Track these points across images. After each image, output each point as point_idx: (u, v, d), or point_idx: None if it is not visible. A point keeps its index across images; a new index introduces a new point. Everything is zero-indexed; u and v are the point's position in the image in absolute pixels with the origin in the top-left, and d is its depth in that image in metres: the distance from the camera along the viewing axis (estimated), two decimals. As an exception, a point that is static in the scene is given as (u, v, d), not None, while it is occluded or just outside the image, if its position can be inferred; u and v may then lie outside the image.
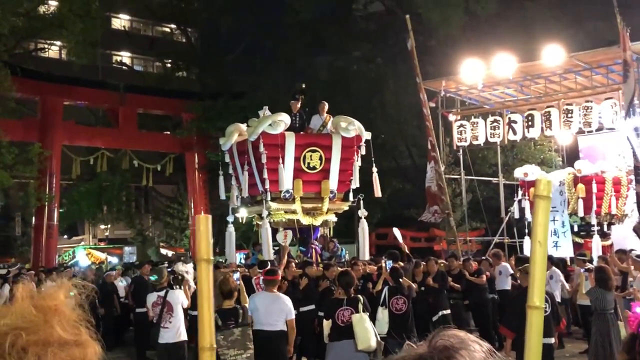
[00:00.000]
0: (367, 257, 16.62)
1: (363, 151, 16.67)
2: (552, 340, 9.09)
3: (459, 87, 22.63)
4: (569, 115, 19.83)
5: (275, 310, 9.25)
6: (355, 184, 16.74)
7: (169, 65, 39.40)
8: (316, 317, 12.15)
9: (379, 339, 8.86)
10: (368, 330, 8.67)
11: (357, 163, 16.69)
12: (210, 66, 34.81)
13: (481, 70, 20.94)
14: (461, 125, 22.21)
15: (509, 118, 21.41)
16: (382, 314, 11.16)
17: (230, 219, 17.09)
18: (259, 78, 31.63)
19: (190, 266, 13.67)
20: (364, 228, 16.89)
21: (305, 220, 16.13)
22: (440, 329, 1.48)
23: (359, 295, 9.24)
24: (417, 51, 21.89)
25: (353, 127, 16.28)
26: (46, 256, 25.63)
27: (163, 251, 34.08)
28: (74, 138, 27.69)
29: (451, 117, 22.73)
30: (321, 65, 34.82)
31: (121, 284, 18.03)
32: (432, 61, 27.64)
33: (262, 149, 15.58)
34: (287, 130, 15.96)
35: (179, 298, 10.19)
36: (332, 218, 16.86)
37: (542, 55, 19.97)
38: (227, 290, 8.36)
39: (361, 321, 8.69)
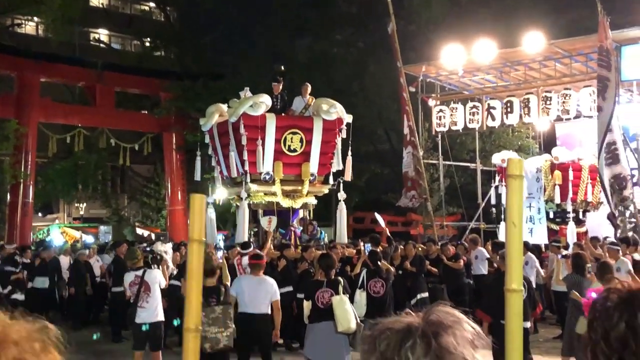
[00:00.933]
0: (345, 240, 16.67)
1: (344, 134, 16.64)
2: (528, 324, 9.22)
3: (439, 72, 22.67)
4: (548, 102, 19.95)
5: (261, 293, 9.38)
6: (337, 166, 16.72)
7: (147, 44, 39.03)
8: (294, 299, 12.21)
9: (358, 321, 8.86)
10: (348, 312, 8.67)
11: (339, 146, 16.65)
12: (189, 46, 34.54)
13: (462, 56, 20.99)
14: (440, 111, 22.27)
15: (488, 104, 21.49)
16: (360, 296, 11.20)
17: (210, 200, 16.98)
18: (238, 59, 31.44)
19: (169, 246, 13.69)
20: (342, 211, 16.93)
21: (285, 203, 16.09)
22: (438, 304, 1.49)
23: (339, 278, 9.25)
24: (398, 36, 21.88)
25: (335, 110, 16.23)
26: (21, 234, 25.39)
27: (139, 231, 33.87)
28: (50, 115, 27.38)
29: (431, 102, 22.78)
30: (302, 48, 34.66)
31: (97, 263, 17.91)
32: (413, 46, 27.64)
33: (242, 130, 15.49)
34: (268, 112, 15.87)
35: (157, 278, 10.13)
36: (312, 201, 16.84)
37: (522, 42, 20.05)
38: (209, 268, 8.31)
39: (341, 303, 8.68)
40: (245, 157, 15.69)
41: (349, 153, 16.84)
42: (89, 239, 29.97)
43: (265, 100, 15.71)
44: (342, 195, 16.79)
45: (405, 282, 13.59)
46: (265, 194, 16.06)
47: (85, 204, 38.52)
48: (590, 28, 18.80)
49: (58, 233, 31.34)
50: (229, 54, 32.88)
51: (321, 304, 8.81)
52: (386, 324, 1.46)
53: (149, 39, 38.57)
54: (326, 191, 17.23)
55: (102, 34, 42.95)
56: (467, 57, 20.97)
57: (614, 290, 1.86)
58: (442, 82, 23.32)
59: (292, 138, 16.03)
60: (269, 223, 15.53)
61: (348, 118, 16.71)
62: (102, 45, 40.14)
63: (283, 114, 16.47)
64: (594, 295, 1.82)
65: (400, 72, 21.73)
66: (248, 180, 15.76)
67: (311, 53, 33.74)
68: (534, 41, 19.67)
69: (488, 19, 26.84)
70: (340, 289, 8.86)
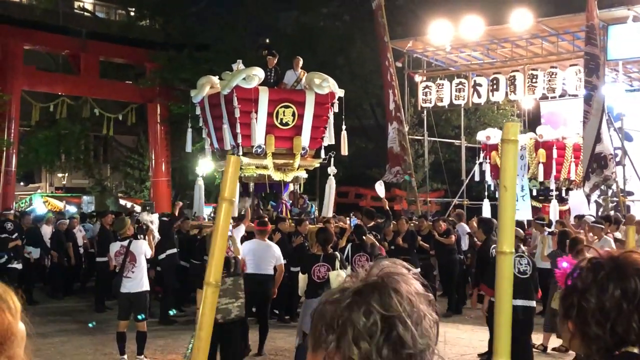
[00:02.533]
0: (330, 214, 16.74)
1: (336, 108, 16.63)
2: (533, 303, 9.01)
3: (426, 48, 22.65)
4: (534, 80, 20.01)
5: (267, 257, 10.66)
6: (329, 140, 16.74)
7: (132, 13, 38.62)
8: (288, 272, 12.30)
9: None
10: None
11: (330, 120, 16.66)
12: (174, 16, 34.20)
13: (449, 32, 20.97)
14: (426, 87, 22.29)
15: (475, 81, 21.53)
16: (345, 271, 11.25)
17: (199, 172, 17.03)
18: (223, 31, 31.21)
19: (155, 216, 13.65)
20: (331, 185, 17.04)
21: (276, 176, 16.12)
22: (379, 260, 1.49)
23: (336, 252, 9.29)
24: (386, 10, 21.80)
25: (327, 84, 16.23)
26: (3, 202, 25.22)
27: (122, 202, 33.79)
28: (34, 84, 27.15)
29: (417, 78, 22.78)
30: (287, 20, 34.47)
31: (80, 233, 17.86)
32: (400, 21, 27.56)
33: (235, 103, 15.43)
34: (261, 85, 15.82)
35: (142, 248, 10.10)
36: (303, 174, 16.87)
37: (509, 19, 20.05)
38: None
39: (338, 278, 8.62)
40: (238, 129, 15.63)
41: (343, 127, 16.85)
42: (71, 208, 29.82)
43: (258, 73, 15.64)
44: (332, 169, 16.86)
45: (397, 257, 13.56)
46: (257, 167, 16.04)
47: (68, 174, 38.27)
48: (578, 7, 18.83)
49: (40, 202, 31.17)
50: (215, 24, 32.59)
51: (317, 278, 8.89)
52: (330, 291, 1.44)
53: (134, 8, 38.16)
54: (317, 165, 17.24)
55: (86, 2, 42.39)
56: (454, 34, 20.96)
57: (596, 259, 1.91)
58: (429, 58, 23.30)
59: (284, 111, 16.01)
60: (245, 204, 15.49)
61: (340, 92, 16.70)
62: (86, 13, 39.62)
63: (275, 88, 16.41)
64: (565, 265, 1.85)
65: (387, 47, 21.69)
66: (240, 153, 15.67)
67: (297, 25, 33.57)
68: (521, 19, 19.67)
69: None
70: (337, 263, 8.93)
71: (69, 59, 29.94)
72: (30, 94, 27.16)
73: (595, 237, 11.86)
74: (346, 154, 17.11)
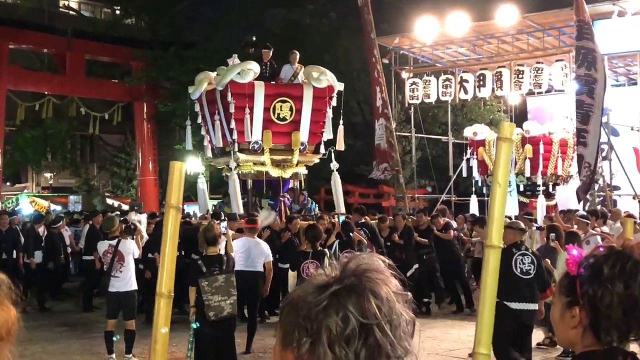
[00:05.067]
0: (342, 210, 16.39)
1: (335, 102, 16.30)
2: (533, 306, 8.16)
3: (413, 44, 22.69)
4: (520, 76, 20.08)
5: (257, 254, 10.75)
6: (328, 135, 16.44)
7: (118, 11, 38.49)
8: (277, 269, 12.27)
9: None
10: None
11: (329, 114, 16.31)
12: (161, 14, 34.09)
13: (435, 28, 21.02)
14: (413, 83, 22.32)
15: (461, 77, 21.58)
16: None
17: (200, 170, 16.65)
18: (211, 28, 31.14)
19: (143, 216, 13.61)
20: (336, 181, 16.59)
21: (275, 173, 15.86)
22: (355, 256, 1.44)
23: (325, 250, 9.27)
24: (372, 7, 21.80)
25: (325, 77, 15.94)
26: (-11, 203, 25.13)
27: (109, 201, 33.62)
28: (19, 83, 26.96)
29: (404, 75, 22.81)
30: (275, 18, 34.41)
31: (66, 232, 17.70)
32: (387, 17, 27.55)
33: (229, 98, 15.17)
34: (257, 79, 15.50)
35: (131, 248, 10.14)
36: (303, 171, 16.58)
37: (495, 15, 20.11)
38: (211, 236, 8.29)
39: None
40: (233, 125, 15.39)
41: (341, 122, 16.58)
42: (57, 208, 29.68)
43: (254, 68, 15.37)
44: (334, 165, 16.40)
45: (393, 254, 13.48)
46: (255, 163, 15.80)
47: (54, 174, 38.09)
48: (563, 2, 18.89)
49: (27, 202, 31.00)
50: (202, 22, 32.52)
51: (306, 275, 8.74)
52: (302, 287, 1.39)
53: (119, 7, 38.02)
54: (317, 161, 16.89)
55: (72, 0, 42.25)
56: (440, 30, 21.01)
57: (620, 250, 1.92)
58: (416, 54, 23.34)
59: (281, 106, 15.72)
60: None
61: (339, 86, 16.41)
62: (71, 12, 39.45)
63: (272, 82, 16.09)
64: (575, 252, 1.85)
65: (374, 43, 21.69)
66: (236, 149, 15.48)
67: (284, 23, 33.52)
68: (507, 14, 19.75)
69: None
70: (326, 260, 8.76)
71: (54, 57, 29.77)
72: (16, 93, 26.99)
73: (581, 231, 11.89)
74: (343, 149, 16.87)
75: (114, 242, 10.01)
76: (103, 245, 10.23)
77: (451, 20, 20.57)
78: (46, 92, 27.92)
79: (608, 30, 18.53)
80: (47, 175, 38.43)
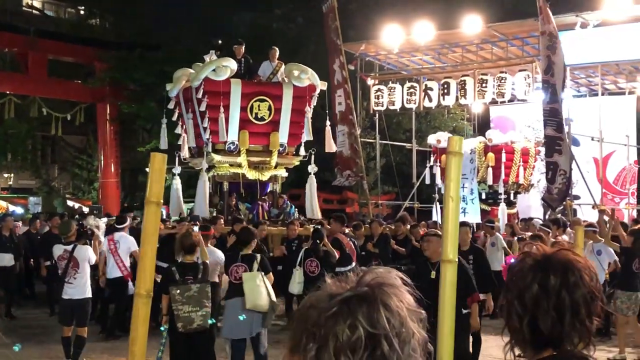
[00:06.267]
0: (318, 215, 15.88)
1: (315, 102, 15.85)
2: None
3: (379, 51, 22.76)
4: (484, 85, 20.22)
5: (211, 264, 9.33)
6: (307, 137, 15.98)
7: (82, 11, 38.11)
8: None
9: (272, 298, 8.33)
10: (257, 289, 8.20)
11: (309, 115, 15.88)
12: (126, 15, 33.81)
13: (401, 36, 21.11)
14: (379, 90, 22.37)
15: (426, 85, 21.68)
16: (297, 274, 11.12)
17: (176, 170, 15.65)
18: (177, 31, 30.94)
19: (102, 221, 13.22)
20: (312, 185, 16.10)
21: (251, 175, 15.38)
22: (372, 268, 1.41)
23: (257, 254, 8.67)
24: (339, 13, 21.82)
25: (306, 76, 15.52)
26: (-54, 203, 24.67)
27: (70, 203, 33.24)
28: (-20, 82, 26.61)
29: (369, 81, 22.87)
30: (242, 22, 34.29)
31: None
32: (353, 24, 27.62)
33: (202, 95, 14.66)
34: (234, 77, 15.02)
35: (87, 254, 9.62)
36: (282, 173, 16.15)
37: (460, 24, 20.26)
38: (188, 244, 7.93)
39: (251, 279, 8.24)
40: (207, 124, 14.87)
41: (327, 123, 16.16)
42: (17, 209, 29.24)
43: (230, 65, 14.84)
44: (312, 168, 15.94)
45: (368, 264, 13.09)
46: (231, 165, 15.30)
47: (14, 174, 37.53)
48: (527, 12, 19.10)
49: (-15, 203, 30.48)
50: (168, 24, 32.30)
51: (234, 279, 8.43)
52: (316, 294, 1.37)
53: (84, 7, 37.65)
54: (297, 163, 16.39)
55: (35, -1, 41.75)
56: (406, 38, 21.11)
57: (529, 254, 1.95)
58: (381, 61, 23.42)
59: (259, 105, 15.24)
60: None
61: (322, 85, 15.97)
62: (35, 11, 38.97)
63: (249, 80, 15.61)
64: (512, 261, 1.95)
65: (340, 49, 21.71)
66: (210, 149, 14.99)
67: (252, 27, 33.41)
68: (471, 24, 19.91)
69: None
70: (255, 265, 8.40)
71: (16, 57, 29.38)
72: (-24, 92, 26.60)
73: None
74: (332, 150, 16.34)
75: (69, 247, 9.53)
76: (58, 250, 9.68)
77: (417, 29, 20.69)
78: (7, 92, 27.54)
79: (570, 41, 18.74)
80: (7, 175, 37.86)
